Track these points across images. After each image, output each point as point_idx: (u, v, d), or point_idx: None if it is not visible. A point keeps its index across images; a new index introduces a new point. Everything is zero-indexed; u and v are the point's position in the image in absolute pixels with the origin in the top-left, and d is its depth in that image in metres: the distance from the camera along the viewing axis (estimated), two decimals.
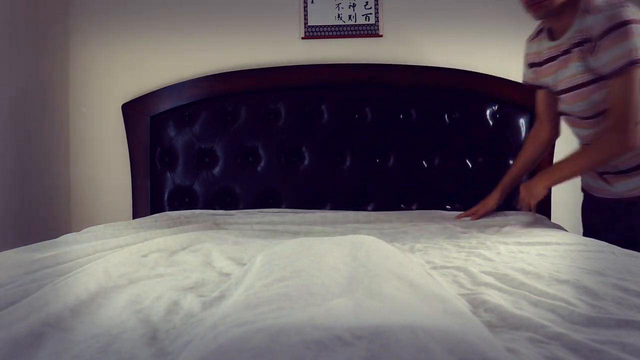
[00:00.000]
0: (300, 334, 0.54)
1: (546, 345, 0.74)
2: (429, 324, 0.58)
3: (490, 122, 2.31)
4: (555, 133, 1.88)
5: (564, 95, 1.65)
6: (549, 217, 2.28)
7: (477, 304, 0.95)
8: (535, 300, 0.98)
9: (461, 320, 0.65)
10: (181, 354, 0.65)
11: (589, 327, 0.82)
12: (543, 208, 2.30)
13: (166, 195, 2.35)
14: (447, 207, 2.30)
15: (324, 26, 2.41)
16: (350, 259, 0.96)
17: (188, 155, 2.35)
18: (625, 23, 1.42)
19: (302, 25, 2.41)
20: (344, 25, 2.41)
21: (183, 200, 2.34)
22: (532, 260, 1.30)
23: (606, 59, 1.46)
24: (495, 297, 0.98)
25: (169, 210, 2.30)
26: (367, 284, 0.78)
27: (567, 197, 2.39)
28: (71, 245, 1.47)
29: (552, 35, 1.67)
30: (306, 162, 2.34)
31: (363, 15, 2.40)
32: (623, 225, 1.63)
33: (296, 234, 1.76)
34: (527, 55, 1.82)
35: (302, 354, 0.51)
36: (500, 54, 2.39)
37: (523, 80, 1.87)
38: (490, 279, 1.12)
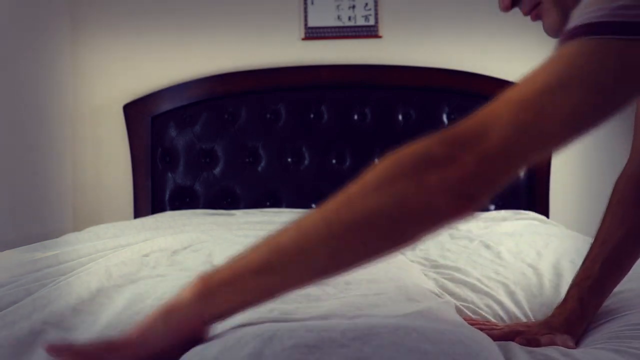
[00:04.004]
0: (293, 338, 0.54)
1: (541, 350, 0.75)
2: (423, 326, 0.58)
3: None
4: None
5: None
6: (547, 215, 2.29)
7: (473, 309, 0.96)
8: (534, 304, 0.99)
9: (455, 326, 0.66)
10: None
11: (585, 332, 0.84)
12: (541, 206, 2.30)
13: (167, 195, 2.36)
14: None
15: (324, 27, 2.41)
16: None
17: (189, 156, 2.36)
18: None
19: (302, 27, 2.42)
20: (344, 27, 2.41)
21: (184, 200, 2.35)
22: (532, 260, 1.31)
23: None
24: (491, 302, 0.98)
25: (170, 210, 2.31)
26: (364, 289, 0.79)
27: (566, 195, 2.40)
28: (73, 245, 1.48)
29: None
30: (306, 162, 2.35)
31: (362, 16, 2.41)
32: None
33: None
34: None
35: (295, 357, 0.52)
36: (499, 55, 2.40)
37: None
38: (490, 279, 1.13)
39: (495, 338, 0.73)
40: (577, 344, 0.81)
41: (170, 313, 0.61)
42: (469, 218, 0.55)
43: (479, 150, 0.54)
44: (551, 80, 0.54)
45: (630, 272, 0.89)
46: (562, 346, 0.76)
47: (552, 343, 0.77)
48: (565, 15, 0.67)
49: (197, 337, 0.62)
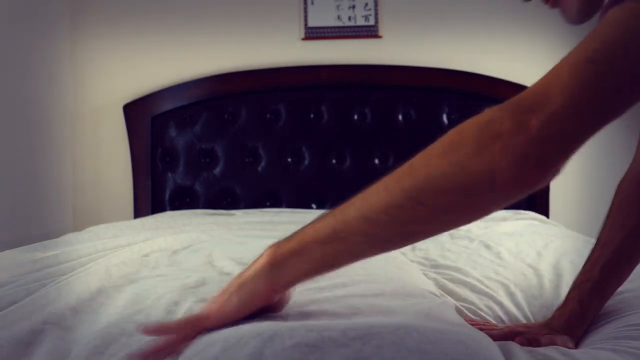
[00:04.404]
0: (293, 337, 0.54)
1: (541, 349, 0.75)
2: (424, 326, 0.58)
3: None
4: None
5: None
6: (547, 215, 2.29)
7: (473, 310, 0.96)
8: (534, 305, 0.99)
9: (456, 326, 0.66)
10: None
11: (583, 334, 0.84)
12: (541, 206, 2.31)
13: (167, 195, 2.36)
14: None
15: (324, 27, 2.42)
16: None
17: (189, 156, 2.36)
18: None
19: (302, 27, 2.42)
20: (344, 27, 2.41)
21: (184, 200, 2.35)
22: (532, 260, 1.31)
23: None
24: (491, 303, 0.98)
25: (170, 210, 2.32)
26: (363, 289, 0.79)
27: (566, 195, 2.40)
28: (73, 245, 1.48)
29: None
30: (306, 162, 2.36)
31: (362, 16, 2.41)
32: None
33: None
34: None
35: (295, 357, 0.52)
36: (499, 54, 2.40)
37: None
38: (490, 279, 1.13)
39: (495, 338, 0.73)
40: (576, 345, 0.81)
41: (243, 287, 0.65)
42: (540, 186, 0.54)
43: (545, 112, 0.53)
44: (605, 41, 0.55)
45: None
46: (562, 347, 0.76)
47: (552, 343, 0.77)
48: (581, 1, 0.69)
49: (267, 304, 0.67)
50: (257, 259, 0.65)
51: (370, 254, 0.63)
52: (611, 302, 0.89)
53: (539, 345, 0.77)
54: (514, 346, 0.74)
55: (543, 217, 2.08)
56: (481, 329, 0.77)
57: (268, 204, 2.35)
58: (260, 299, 0.65)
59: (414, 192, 0.57)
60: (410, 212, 0.57)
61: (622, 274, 0.87)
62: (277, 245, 0.64)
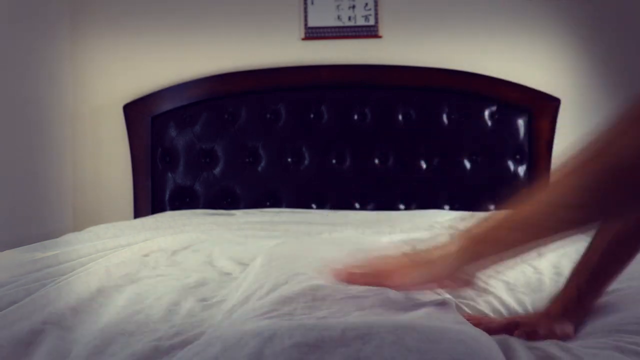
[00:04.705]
0: (293, 337, 0.54)
1: (542, 346, 0.74)
2: (424, 325, 0.58)
3: (489, 123, 2.32)
4: None
5: None
6: None
7: (472, 306, 0.96)
8: (535, 300, 0.99)
9: (456, 325, 0.66)
10: None
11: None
12: None
13: (167, 195, 2.36)
14: (446, 207, 2.31)
15: (324, 27, 2.42)
16: (351, 260, 0.96)
17: (189, 156, 2.36)
18: None
19: (302, 27, 2.42)
20: (344, 27, 2.41)
21: (184, 200, 2.35)
22: (532, 259, 1.31)
23: None
24: (490, 299, 0.98)
25: (170, 210, 2.32)
26: (364, 288, 0.79)
27: None
28: (73, 245, 1.48)
29: None
30: (306, 162, 2.36)
31: (362, 16, 2.41)
32: None
33: (296, 233, 1.76)
34: None
35: (295, 357, 0.52)
36: (498, 54, 2.40)
37: None
38: (490, 277, 1.13)
39: (494, 331, 0.74)
40: (576, 331, 0.80)
41: (435, 265, 0.73)
42: None
43: None
44: None
45: (632, 272, 0.89)
46: (562, 334, 0.76)
47: (550, 333, 0.77)
48: None
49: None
50: (446, 243, 0.71)
51: (560, 238, 0.65)
52: (612, 297, 0.88)
53: (537, 336, 0.76)
54: (513, 342, 0.74)
55: None
56: (480, 322, 0.77)
57: (268, 204, 2.35)
58: (443, 277, 0.72)
59: (614, 171, 0.54)
60: (605, 194, 0.55)
61: (621, 261, 0.86)
62: (468, 231, 0.69)
